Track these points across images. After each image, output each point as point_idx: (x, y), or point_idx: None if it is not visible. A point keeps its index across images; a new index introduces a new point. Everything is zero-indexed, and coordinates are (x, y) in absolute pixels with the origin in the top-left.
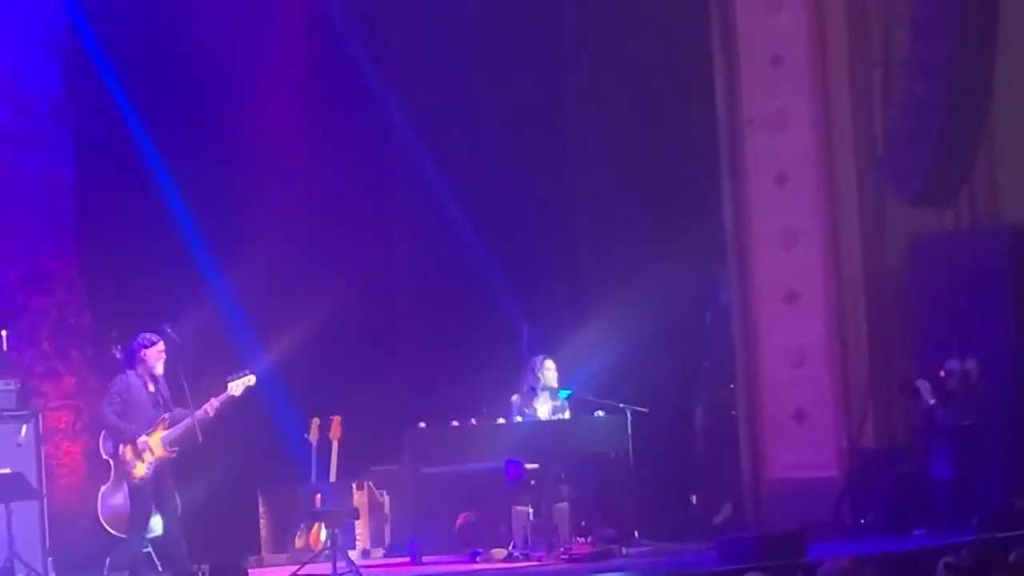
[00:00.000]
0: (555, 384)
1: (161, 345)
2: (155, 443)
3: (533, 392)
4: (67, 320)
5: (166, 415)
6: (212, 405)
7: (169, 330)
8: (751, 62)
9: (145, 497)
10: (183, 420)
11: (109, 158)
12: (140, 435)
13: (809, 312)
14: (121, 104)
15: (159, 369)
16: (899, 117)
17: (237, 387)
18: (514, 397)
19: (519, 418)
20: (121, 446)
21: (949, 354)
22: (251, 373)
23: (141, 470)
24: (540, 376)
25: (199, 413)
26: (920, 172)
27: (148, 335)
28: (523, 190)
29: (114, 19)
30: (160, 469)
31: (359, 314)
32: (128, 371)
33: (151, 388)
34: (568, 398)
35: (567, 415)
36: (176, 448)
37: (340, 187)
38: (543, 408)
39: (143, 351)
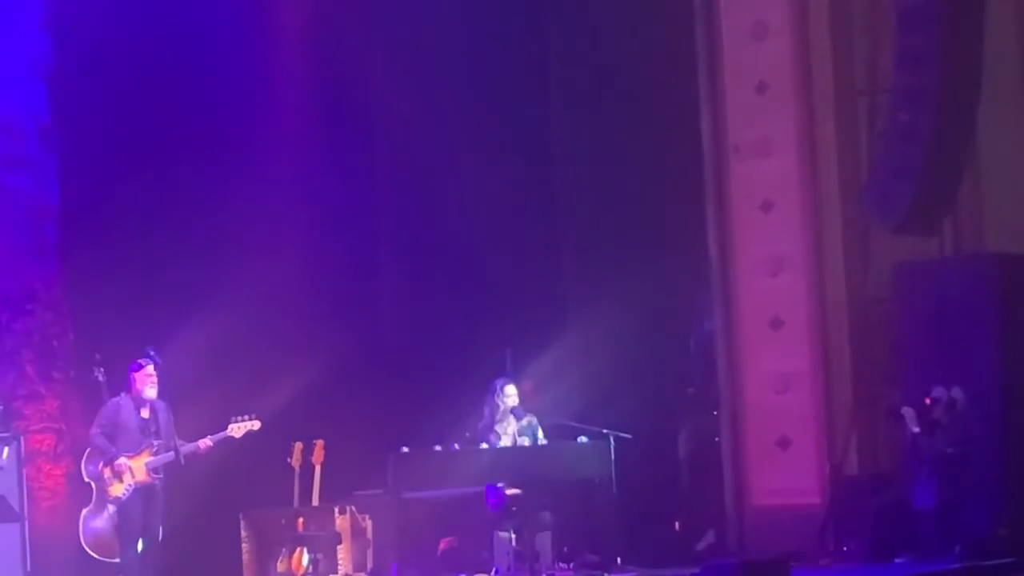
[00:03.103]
0: (515, 408)
1: (149, 369)
2: (137, 467)
3: (493, 418)
4: (50, 343)
5: (155, 442)
6: (206, 442)
7: (152, 353)
8: (736, 89)
9: (132, 518)
10: (173, 450)
11: (94, 181)
12: (120, 456)
13: (793, 339)
14: (106, 127)
15: (148, 393)
16: (883, 145)
17: (238, 430)
18: (480, 424)
19: (484, 445)
20: (101, 465)
21: (933, 382)
22: (256, 419)
23: (118, 490)
24: (500, 402)
25: (191, 447)
26: (904, 200)
27: (140, 359)
28: (508, 215)
29: (100, 43)
30: (146, 493)
31: (342, 338)
32: (121, 394)
33: (144, 414)
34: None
35: (541, 437)
36: (160, 475)
37: (324, 212)
38: (507, 431)
39: (132, 374)
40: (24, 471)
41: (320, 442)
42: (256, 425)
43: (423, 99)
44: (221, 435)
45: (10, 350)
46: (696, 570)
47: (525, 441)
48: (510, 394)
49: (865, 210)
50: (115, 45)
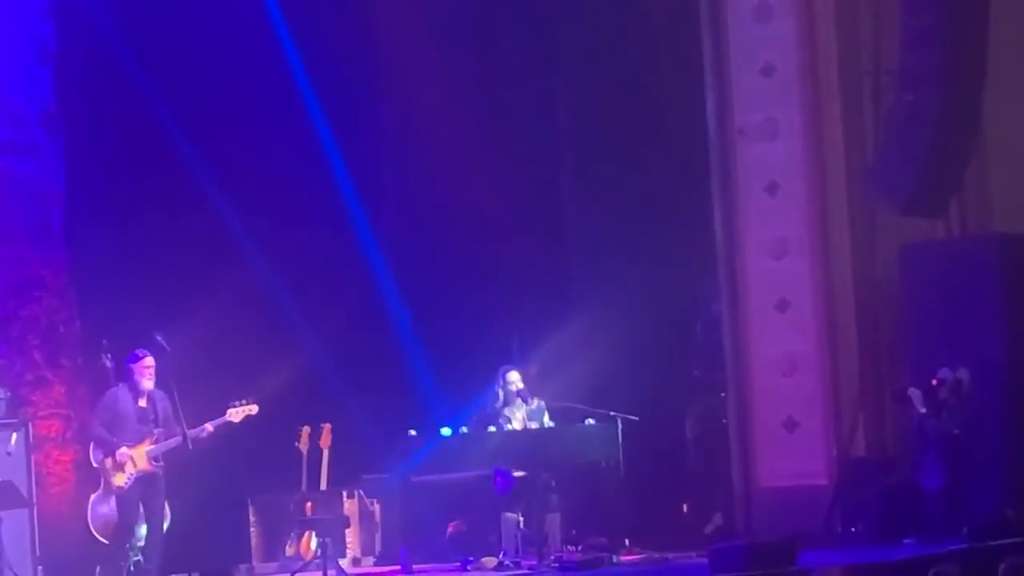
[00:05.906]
0: (521, 391)
1: (147, 361)
2: (139, 456)
3: (501, 404)
4: (57, 329)
5: (156, 430)
6: (206, 429)
7: (160, 339)
8: (742, 72)
9: (130, 506)
10: (173, 438)
11: (99, 167)
12: (121, 447)
13: (800, 321)
14: (111, 114)
15: (145, 384)
16: (889, 127)
17: (236, 414)
18: (489, 409)
19: (492, 428)
20: (103, 457)
21: (939, 363)
22: (254, 403)
23: (121, 480)
24: (503, 389)
25: (192, 433)
26: (910, 182)
27: (138, 350)
28: (514, 200)
29: (104, 29)
30: (148, 481)
31: (349, 323)
32: (119, 384)
33: (142, 403)
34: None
35: (547, 420)
36: (162, 463)
37: (329, 196)
38: (516, 416)
39: (130, 365)
40: (32, 457)
41: (327, 426)
42: (254, 409)
43: (427, 79)
44: (220, 420)
45: (17, 336)
46: (704, 552)
47: (535, 425)
48: (512, 380)
49: (871, 192)
50: (119, 31)
